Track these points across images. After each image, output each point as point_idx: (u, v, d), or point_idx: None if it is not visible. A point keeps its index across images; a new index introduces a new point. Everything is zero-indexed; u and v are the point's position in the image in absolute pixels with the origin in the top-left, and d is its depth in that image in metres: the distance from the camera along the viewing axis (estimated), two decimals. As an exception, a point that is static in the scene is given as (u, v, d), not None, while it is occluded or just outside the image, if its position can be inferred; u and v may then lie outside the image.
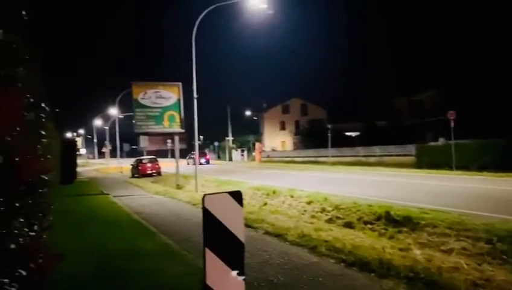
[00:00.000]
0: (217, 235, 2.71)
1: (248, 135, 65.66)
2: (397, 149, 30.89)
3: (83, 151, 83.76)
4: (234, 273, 2.75)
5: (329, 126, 38.04)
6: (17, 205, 2.38)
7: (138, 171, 33.65)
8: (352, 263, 6.20)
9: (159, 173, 33.45)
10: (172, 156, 28.59)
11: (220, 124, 65.81)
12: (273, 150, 57.13)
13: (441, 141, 27.22)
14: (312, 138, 46.72)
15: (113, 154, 58.10)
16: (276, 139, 63.10)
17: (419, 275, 5.38)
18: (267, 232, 8.85)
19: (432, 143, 28.97)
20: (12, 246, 2.15)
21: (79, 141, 66.93)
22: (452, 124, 22.29)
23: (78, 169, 33.08)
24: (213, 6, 18.24)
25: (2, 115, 2.06)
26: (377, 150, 33.42)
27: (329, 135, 34.70)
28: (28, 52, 2.96)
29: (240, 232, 2.84)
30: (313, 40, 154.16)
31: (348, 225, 9.59)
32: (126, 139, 55.08)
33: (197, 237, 8.15)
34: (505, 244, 6.62)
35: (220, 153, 64.28)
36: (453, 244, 7.20)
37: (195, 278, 5.10)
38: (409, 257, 6.27)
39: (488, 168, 19.68)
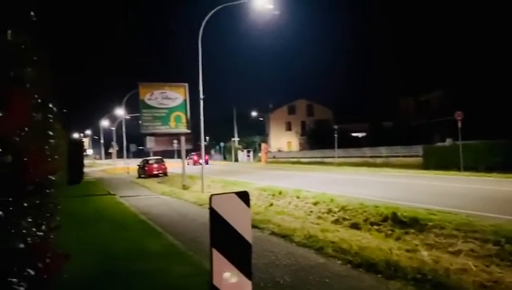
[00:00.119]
0: (224, 236, 2.71)
1: (254, 135, 65.63)
2: (404, 150, 30.72)
3: (89, 151, 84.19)
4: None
5: (335, 127, 37.93)
6: (25, 205, 2.39)
7: (145, 172, 33.78)
8: (358, 264, 6.18)
9: (165, 174, 33.55)
10: (179, 156, 28.65)
11: (226, 124, 65.88)
12: (279, 151, 57.05)
13: (449, 142, 27.03)
14: (318, 139, 46.57)
15: (119, 154, 58.36)
16: (282, 139, 63.03)
17: (427, 277, 5.35)
18: (273, 233, 8.84)
19: (439, 144, 28.77)
20: (21, 245, 2.16)
21: (86, 141, 67.27)
22: (459, 124, 22.13)
23: (85, 169, 33.26)
24: (219, 7, 18.28)
25: (10, 116, 2.07)
26: (383, 150, 33.26)
27: (335, 135, 34.60)
28: (37, 53, 2.97)
29: (247, 232, 2.83)
30: (318, 40, 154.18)
31: (355, 226, 9.55)
32: (133, 140, 55.36)
33: (203, 238, 8.17)
34: (513, 246, 6.56)
35: (226, 154, 64.29)
36: (460, 245, 7.15)
37: (202, 279, 5.11)
38: (416, 258, 6.24)
39: (496, 169, 19.51)
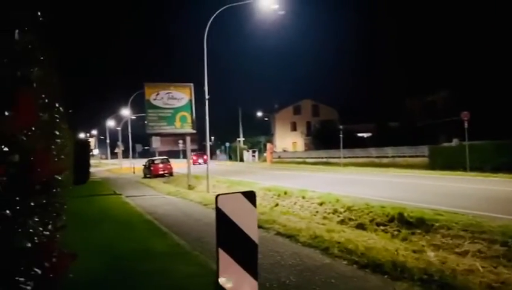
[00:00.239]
0: (230, 236, 2.70)
1: (259, 135, 65.60)
2: (410, 150, 30.61)
3: (95, 151, 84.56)
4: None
5: (340, 127, 37.84)
6: (32, 204, 2.40)
7: (150, 172, 33.86)
8: (365, 265, 6.15)
9: (170, 174, 33.60)
10: (184, 156, 28.71)
11: (231, 124, 65.98)
12: (285, 151, 57.00)
13: (455, 142, 26.88)
14: (323, 139, 46.47)
15: (125, 154, 58.65)
16: (288, 140, 62.98)
17: (433, 278, 5.32)
18: (278, 233, 8.82)
19: (446, 144, 28.63)
20: (28, 244, 2.16)
21: (92, 141, 67.54)
22: (466, 124, 22.01)
23: (91, 169, 33.38)
24: (224, 7, 18.30)
25: (17, 115, 2.07)
26: (389, 151, 33.15)
27: (341, 135, 34.52)
28: (44, 53, 2.98)
29: (253, 232, 2.82)
30: (323, 40, 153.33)
31: (361, 227, 9.52)
32: (138, 140, 55.58)
33: (209, 238, 8.18)
34: (521, 247, 6.51)
35: (231, 154, 64.34)
36: (467, 246, 7.11)
37: (207, 279, 5.11)
38: (422, 259, 6.20)
39: (502, 169, 19.37)
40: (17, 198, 2.11)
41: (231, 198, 2.81)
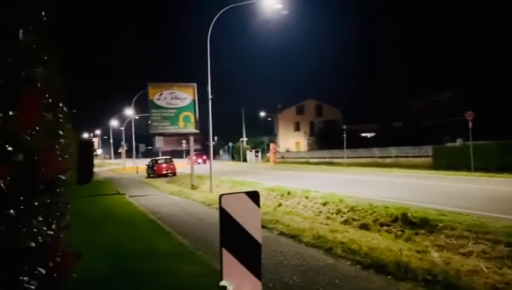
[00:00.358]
0: (233, 236, 2.69)
1: (262, 135, 65.59)
2: (414, 150, 30.50)
3: (99, 151, 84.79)
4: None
5: (344, 127, 37.80)
6: (36, 204, 2.40)
7: (153, 172, 33.93)
8: (368, 265, 6.14)
9: (174, 174, 33.65)
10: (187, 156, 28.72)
11: (234, 124, 65.98)
12: (288, 151, 56.96)
13: (459, 142, 26.76)
14: (327, 139, 46.43)
15: (129, 154, 58.74)
16: (291, 140, 62.93)
17: (437, 278, 5.30)
18: (281, 233, 8.82)
19: (450, 144, 28.52)
20: (32, 244, 2.16)
21: (96, 141, 67.76)
22: (470, 124, 21.92)
23: (95, 169, 33.48)
24: (228, 7, 18.31)
25: (21, 115, 2.08)
26: (393, 151, 33.05)
27: (344, 135, 34.46)
28: (48, 53, 2.99)
29: (256, 232, 2.81)
30: (326, 40, 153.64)
31: (364, 227, 9.50)
32: (142, 140, 55.81)
33: (212, 238, 8.19)
34: (526, 248, 6.48)
35: (234, 154, 64.38)
36: (471, 247, 7.07)
37: (211, 279, 5.10)
38: (426, 259, 6.18)
39: (507, 169, 19.28)
40: (21, 198, 2.11)
41: (235, 198, 2.80)
